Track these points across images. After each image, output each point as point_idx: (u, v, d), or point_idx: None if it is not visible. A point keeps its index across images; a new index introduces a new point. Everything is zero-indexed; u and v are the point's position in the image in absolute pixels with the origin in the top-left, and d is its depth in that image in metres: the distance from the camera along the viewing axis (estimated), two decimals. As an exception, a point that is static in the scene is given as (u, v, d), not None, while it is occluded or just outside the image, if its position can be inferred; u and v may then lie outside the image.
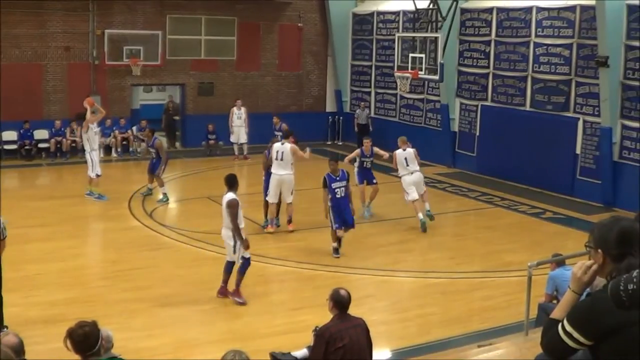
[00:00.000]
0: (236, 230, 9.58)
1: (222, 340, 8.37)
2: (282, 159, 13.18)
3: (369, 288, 10.79)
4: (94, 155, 15.79)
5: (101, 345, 4.22)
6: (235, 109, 21.52)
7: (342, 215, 11.82)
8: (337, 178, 11.82)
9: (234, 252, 9.73)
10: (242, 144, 21.42)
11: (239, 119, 21.44)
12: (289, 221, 13.58)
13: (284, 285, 10.81)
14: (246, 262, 9.81)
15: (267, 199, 13.49)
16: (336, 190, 11.77)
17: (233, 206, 9.49)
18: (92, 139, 15.85)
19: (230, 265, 9.87)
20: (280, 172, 13.18)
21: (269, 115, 21.55)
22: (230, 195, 9.62)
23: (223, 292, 9.91)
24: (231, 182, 9.75)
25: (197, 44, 22.84)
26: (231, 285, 9.86)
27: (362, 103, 23.35)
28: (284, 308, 9.81)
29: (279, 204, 13.55)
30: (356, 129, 22.87)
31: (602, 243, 2.89)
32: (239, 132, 21.39)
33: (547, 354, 3.01)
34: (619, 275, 2.76)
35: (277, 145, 13.35)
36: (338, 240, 11.94)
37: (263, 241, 13.03)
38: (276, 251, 12.40)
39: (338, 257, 11.83)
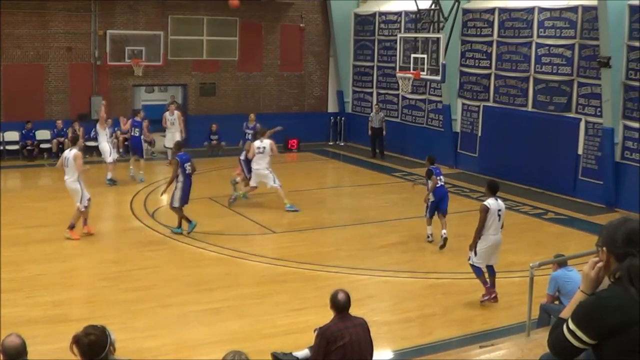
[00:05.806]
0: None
1: (223, 340, 8.37)
2: (67, 166, 12.62)
3: (370, 288, 10.80)
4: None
5: (109, 350, 4.15)
6: (167, 114, 20.11)
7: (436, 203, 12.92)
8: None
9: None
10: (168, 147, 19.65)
11: (172, 124, 19.97)
12: (71, 227, 12.61)
13: (285, 285, 10.80)
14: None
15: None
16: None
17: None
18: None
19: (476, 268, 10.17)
20: (64, 177, 12.72)
21: (270, 115, 21.58)
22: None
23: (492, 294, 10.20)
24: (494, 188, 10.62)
25: (199, 44, 22.86)
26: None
27: (376, 106, 22.73)
28: (286, 308, 9.79)
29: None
30: (369, 132, 22.24)
31: (608, 241, 2.91)
32: (172, 137, 19.23)
33: (553, 353, 3.01)
34: (621, 275, 2.77)
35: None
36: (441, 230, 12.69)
37: (265, 242, 13.04)
38: (278, 252, 12.40)
39: (430, 242, 12.90)
